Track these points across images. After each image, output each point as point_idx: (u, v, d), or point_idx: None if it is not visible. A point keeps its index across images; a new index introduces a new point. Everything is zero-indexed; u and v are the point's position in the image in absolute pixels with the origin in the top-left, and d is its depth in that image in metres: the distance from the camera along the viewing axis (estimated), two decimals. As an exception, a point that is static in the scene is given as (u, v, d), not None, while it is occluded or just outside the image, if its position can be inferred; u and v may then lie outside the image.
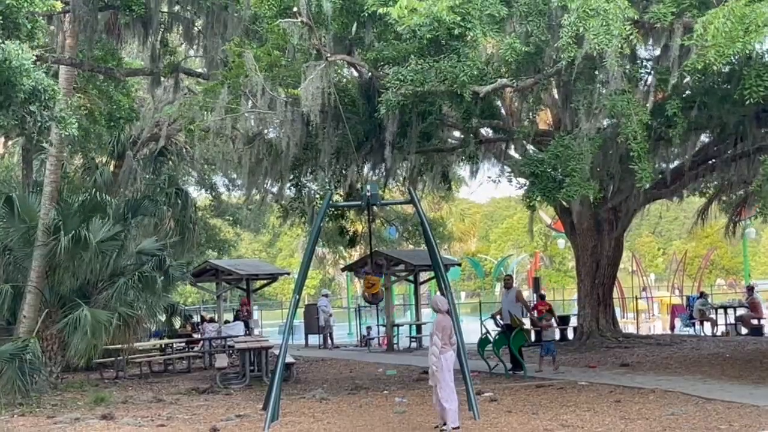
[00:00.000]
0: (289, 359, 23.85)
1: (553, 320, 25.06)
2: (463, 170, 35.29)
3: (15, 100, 17.09)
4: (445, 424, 14.75)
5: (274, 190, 30.29)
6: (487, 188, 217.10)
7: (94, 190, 27.42)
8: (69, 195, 25.83)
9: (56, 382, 24.02)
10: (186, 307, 50.01)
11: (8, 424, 17.52)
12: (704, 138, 27.33)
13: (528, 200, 19.93)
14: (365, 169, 26.64)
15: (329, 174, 25.89)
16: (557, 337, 23.87)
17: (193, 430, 15.90)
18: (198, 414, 18.09)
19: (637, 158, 17.92)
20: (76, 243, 23.49)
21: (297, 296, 16.93)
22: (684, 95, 21.17)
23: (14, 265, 25.09)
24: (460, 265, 48.99)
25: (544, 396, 18.60)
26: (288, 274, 43.99)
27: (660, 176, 27.41)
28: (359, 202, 19.13)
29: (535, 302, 29.18)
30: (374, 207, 24.35)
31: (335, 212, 30.80)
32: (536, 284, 42.43)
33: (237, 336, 30.34)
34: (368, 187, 17.28)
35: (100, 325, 22.84)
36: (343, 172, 25.69)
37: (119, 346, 26.23)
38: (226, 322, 33.92)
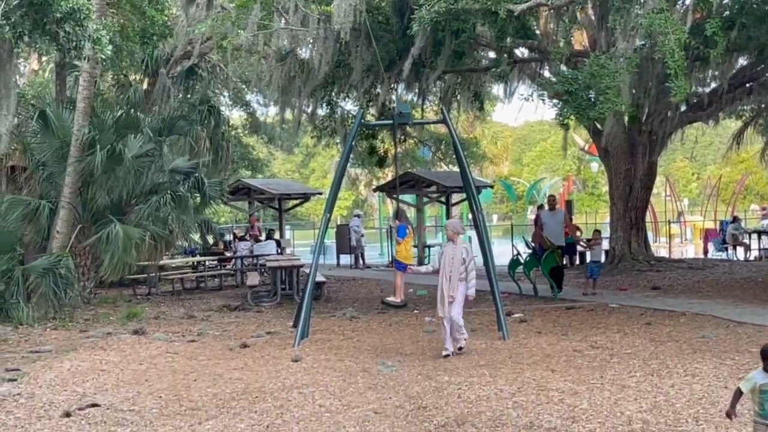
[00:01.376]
0: (319, 278, 23.90)
1: (601, 239, 24.87)
2: (496, 91, 34.99)
3: (50, 19, 17.05)
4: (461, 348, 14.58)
5: (308, 109, 30.16)
6: (521, 112, 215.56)
7: (128, 107, 27.35)
8: (102, 111, 25.77)
9: (89, 297, 24.21)
10: (219, 226, 50.29)
11: (41, 337, 17.68)
12: (742, 60, 26.94)
13: (561, 118, 19.73)
14: (398, 89, 26.45)
15: (361, 93, 25.73)
16: (602, 259, 23.53)
17: (224, 346, 15.97)
18: (228, 330, 18.19)
19: (673, 75, 17.63)
20: (111, 158, 23.51)
21: (328, 215, 16.90)
22: (723, 15, 20.82)
23: (48, 180, 25.18)
24: (492, 187, 48.82)
25: (574, 318, 18.58)
26: (320, 194, 44.02)
27: (696, 99, 27.08)
28: (389, 121, 18.99)
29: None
30: (406, 127, 24.25)
31: (367, 132, 30.67)
32: (568, 208, 42.25)
33: (269, 255, 30.43)
34: (398, 105, 17.12)
35: (132, 242, 22.92)
36: (375, 91, 25.53)
37: (152, 262, 26.39)
38: (257, 241, 33.97)
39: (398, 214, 17.22)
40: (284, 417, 10.29)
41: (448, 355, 14.11)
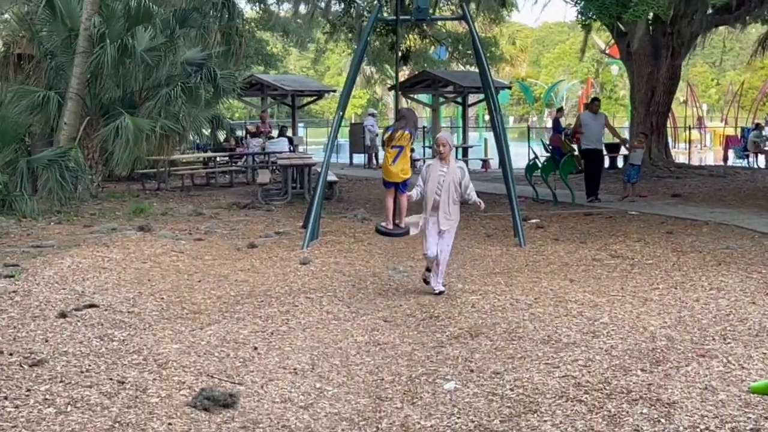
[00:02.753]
0: (331, 177, 23.40)
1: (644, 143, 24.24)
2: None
3: None
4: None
5: (322, 4, 29.38)
6: (542, 12, 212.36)
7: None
8: (114, 1, 25.05)
9: (97, 192, 23.79)
10: (233, 122, 49.70)
11: (44, 231, 17.23)
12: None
13: (582, 19, 18.95)
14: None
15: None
16: (639, 162, 22.72)
17: (231, 245, 15.49)
18: (237, 229, 17.69)
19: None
20: (120, 51, 22.90)
21: (340, 113, 16.28)
22: None
23: (57, 71, 24.58)
24: (509, 88, 47.97)
25: (592, 225, 18.02)
26: (334, 91, 43.33)
27: (725, 1, 26.21)
28: (408, 17, 18.25)
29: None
30: (423, 23, 23.49)
31: (385, 28, 29.88)
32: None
33: (281, 152, 29.88)
34: (416, 0, 16.35)
35: (142, 135, 22.42)
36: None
37: (162, 157, 25.90)
38: (270, 137, 33.37)
39: (406, 118, 12.82)
40: (290, 323, 9.82)
41: (442, 292, 11.44)
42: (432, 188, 11.29)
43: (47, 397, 7.11)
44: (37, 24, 25.04)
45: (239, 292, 11.45)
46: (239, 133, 37.23)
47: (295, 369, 8.17)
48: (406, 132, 12.30)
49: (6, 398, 7.05)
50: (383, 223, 12.66)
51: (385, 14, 25.65)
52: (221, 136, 34.74)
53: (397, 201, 12.46)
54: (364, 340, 9.22)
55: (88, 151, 23.86)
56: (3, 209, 18.97)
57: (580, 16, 18.71)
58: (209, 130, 32.39)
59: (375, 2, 24.01)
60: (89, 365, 8.03)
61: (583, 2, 18.68)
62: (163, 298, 11.02)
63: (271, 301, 10.91)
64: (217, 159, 31.59)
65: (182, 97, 24.02)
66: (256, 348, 8.79)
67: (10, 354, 8.32)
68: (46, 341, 8.83)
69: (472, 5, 29.46)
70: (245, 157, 31.77)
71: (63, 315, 9.83)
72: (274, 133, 34.68)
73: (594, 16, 18.57)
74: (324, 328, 9.66)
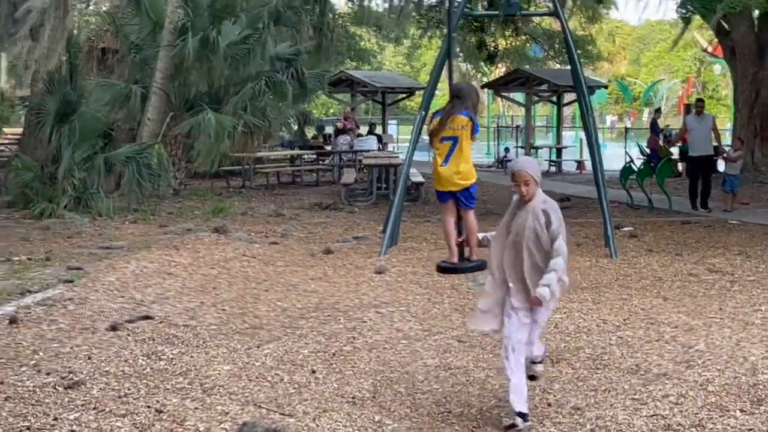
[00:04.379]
0: (418, 178, 22.68)
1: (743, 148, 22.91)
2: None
3: None
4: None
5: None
6: (644, 11, 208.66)
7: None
8: (199, -6, 24.63)
9: (179, 189, 23.36)
10: (326, 118, 49.21)
11: (117, 231, 16.76)
12: None
13: (683, 12, 17.90)
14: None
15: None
16: (737, 172, 21.22)
17: (306, 250, 14.82)
18: (314, 233, 17.02)
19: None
20: (204, 45, 22.47)
21: (423, 113, 15.48)
22: None
23: (141, 65, 24.25)
24: (606, 87, 46.75)
25: (689, 234, 16.96)
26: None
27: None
28: (496, 12, 17.45)
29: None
30: (515, 19, 22.63)
31: (475, 24, 29.04)
32: (687, 111, 40.18)
33: (368, 150, 29.19)
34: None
35: (224, 131, 21.96)
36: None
37: (247, 154, 25.41)
38: (359, 135, 32.72)
39: (462, 95, 8.61)
40: (355, 342, 9.07)
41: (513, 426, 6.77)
42: (500, 241, 7.08)
43: (74, 428, 6.45)
44: (122, 18, 24.74)
45: (306, 305, 10.72)
46: (329, 129, 36.70)
47: (353, 397, 7.42)
48: (462, 116, 8.40)
49: (29, 429, 6.41)
50: (445, 258, 8.93)
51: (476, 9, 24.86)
52: (309, 133, 34.25)
53: (462, 222, 8.54)
54: (434, 364, 8.43)
55: (171, 147, 23.50)
56: (79, 207, 18.58)
57: (679, 9, 17.73)
58: (296, 127, 31.93)
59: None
60: (129, 389, 7.36)
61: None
62: (224, 310, 10.35)
63: (339, 315, 10.17)
64: (304, 157, 31.04)
65: (267, 93, 23.49)
66: (314, 371, 8.05)
67: (47, 373, 7.70)
68: (89, 359, 8.20)
69: (568, 2, 28.48)
70: (332, 155, 31.15)
71: (113, 328, 9.20)
72: (363, 130, 34.03)
73: (694, 10, 17.52)
74: (392, 349, 8.89)
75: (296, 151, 31.23)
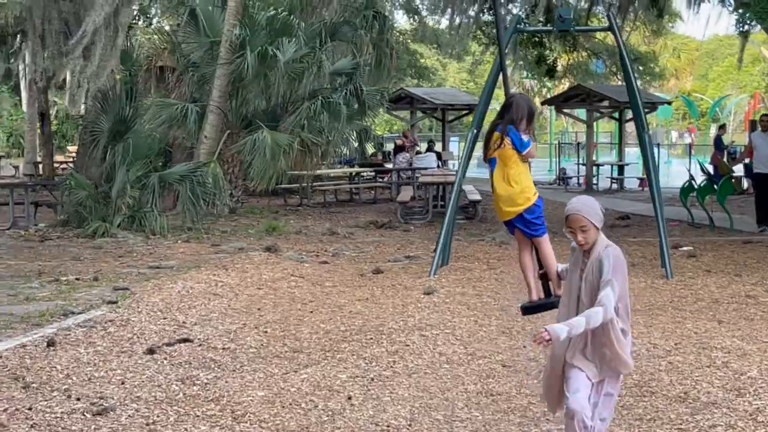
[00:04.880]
0: (475, 196, 22.44)
1: None
2: (680, 1, 32.41)
3: None
4: None
5: (472, 12, 28.47)
6: (707, 26, 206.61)
7: (282, 9, 26.08)
8: (256, 12, 24.62)
9: (236, 207, 23.32)
10: (389, 135, 49.10)
11: (168, 250, 16.71)
12: None
13: (741, 25, 17.54)
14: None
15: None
16: None
17: (356, 270, 14.64)
18: (366, 252, 16.84)
19: None
20: (262, 62, 22.46)
21: (474, 131, 15.21)
22: None
23: (198, 83, 24.30)
24: (670, 103, 46.10)
25: (750, 254, 16.48)
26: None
27: None
28: (551, 28, 17.18)
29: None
30: (572, 35, 22.32)
31: (533, 40, 28.77)
32: (753, 128, 39.48)
33: (427, 168, 28.97)
34: (560, 10, 15.28)
35: (280, 149, 21.89)
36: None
37: (305, 172, 25.34)
38: (418, 153, 32.52)
39: (506, 107, 7.78)
40: (395, 367, 8.84)
41: None
42: (567, 293, 6.07)
43: (96, 457, 6.32)
44: (179, 36, 24.82)
45: (350, 327, 10.52)
46: (389, 147, 36.55)
47: (388, 426, 7.19)
48: (496, 132, 7.68)
49: (51, 457, 6.28)
50: (527, 300, 7.77)
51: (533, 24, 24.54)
52: (369, 150, 34.13)
53: (539, 251, 7.57)
54: (475, 390, 8.18)
55: (228, 165, 23.48)
56: (133, 225, 18.57)
57: (738, 24, 17.41)
58: (357, 144, 31.81)
59: (516, 13, 22.87)
60: (158, 416, 7.20)
61: (741, 9, 17.31)
62: (266, 332, 10.17)
63: (381, 338, 9.94)
64: (364, 174, 30.92)
65: (323, 112, 23.39)
66: (350, 398, 7.84)
67: (78, 399, 7.57)
68: (122, 383, 8.06)
69: (630, 16, 28.06)
70: (391, 172, 30.98)
71: (151, 351, 9.07)
72: (422, 147, 33.84)
73: (750, 21, 17.16)
74: (433, 374, 8.66)
75: (354, 169, 31.11)
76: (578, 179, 35.38)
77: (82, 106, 25.20)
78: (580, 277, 5.85)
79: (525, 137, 7.59)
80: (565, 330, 5.58)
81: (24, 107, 41.17)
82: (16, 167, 36.91)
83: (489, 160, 7.80)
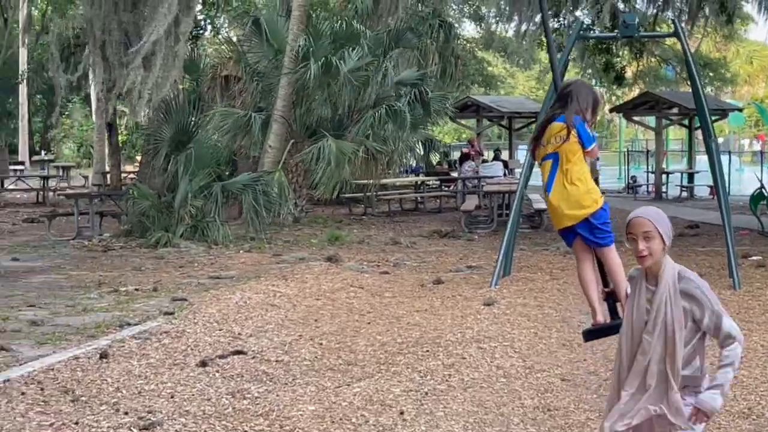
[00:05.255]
0: (541, 205, 22.15)
1: None
2: (751, 6, 31.82)
3: None
4: None
5: (538, 19, 28.16)
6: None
7: (347, 18, 26.03)
8: (319, 21, 24.60)
9: (300, 216, 23.26)
10: (459, 143, 48.92)
11: (230, 260, 16.67)
12: None
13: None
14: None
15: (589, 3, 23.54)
16: None
17: (417, 280, 14.46)
18: (428, 262, 16.66)
19: None
20: (325, 72, 22.41)
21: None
22: None
23: (262, 92, 24.34)
24: (741, 110, 45.33)
25: (822, 264, 16.08)
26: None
27: None
28: (614, 34, 16.90)
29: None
30: (641, 41, 21.99)
31: (600, 46, 28.41)
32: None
33: (493, 177, 28.72)
34: (624, 16, 14.99)
35: (344, 158, 21.81)
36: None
37: (370, 181, 25.25)
38: (484, 161, 32.27)
39: (567, 96, 6.64)
40: (451, 381, 8.65)
41: None
42: (627, 334, 5.10)
43: (139, 474, 6.20)
44: (244, 45, 24.90)
45: (406, 339, 10.34)
46: (454, 155, 36.37)
47: (440, 442, 7.02)
48: (559, 123, 6.50)
49: (94, 474, 6.18)
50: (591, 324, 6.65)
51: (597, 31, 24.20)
52: (434, 158, 33.98)
53: (605, 264, 6.46)
54: (532, 405, 7.97)
55: (292, 174, 23.47)
56: (195, 235, 18.55)
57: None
58: (422, 153, 31.68)
59: (580, 19, 22.57)
60: (204, 431, 7.08)
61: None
62: (321, 344, 10.03)
63: (438, 351, 9.75)
64: (429, 183, 30.75)
65: (387, 120, 23.27)
66: (402, 413, 7.66)
67: (126, 413, 7.46)
68: (172, 397, 7.95)
69: (700, 22, 27.62)
70: (456, 181, 30.78)
71: (203, 363, 8.96)
72: (489, 156, 33.60)
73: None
74: (489, 388, 8.45)
75: (420, 178, 30.97)
76: (647, 187, 34.90)
77: (144, 116, 25.31)
78: (645, 309, 4.93)
79: (590, 131, 6.58)
80: (717, 397, 4.88)
81: (94, 118, 41.59)
82: (86, 177, 37.25)
83: (545, 157, 6.54)
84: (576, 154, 6.43)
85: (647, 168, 36.89)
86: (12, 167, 37.86)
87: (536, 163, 6.80)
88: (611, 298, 6.24)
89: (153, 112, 22.19)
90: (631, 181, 35.53)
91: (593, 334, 6.64)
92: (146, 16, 20.76)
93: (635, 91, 43.71)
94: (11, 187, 32.89)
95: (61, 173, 38.43)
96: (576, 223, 6.42)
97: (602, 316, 6.38)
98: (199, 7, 35.54)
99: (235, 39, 29.65)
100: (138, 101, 21.77)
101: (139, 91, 21.48)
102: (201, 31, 36.38)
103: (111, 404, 7.68)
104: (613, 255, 6.35)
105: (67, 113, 54.91)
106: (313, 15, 25.68)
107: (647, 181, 35.50)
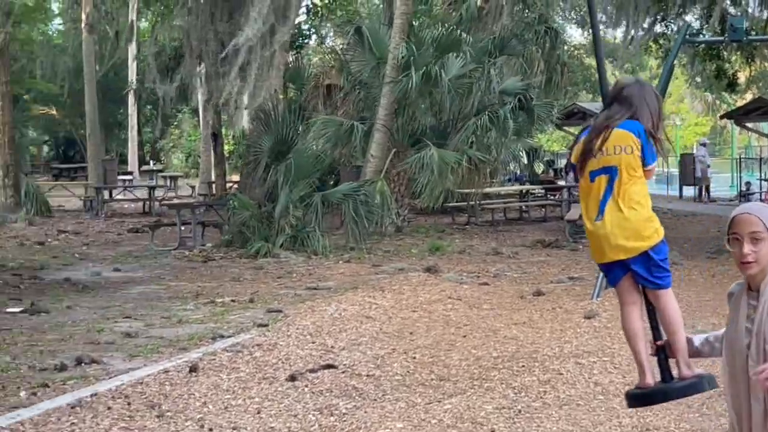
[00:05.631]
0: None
1: None
2: None
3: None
4: None
5: (645, 26, 27.67)
6: None
7: (449, 25, 25.79)
8: (422, 30, 24.44)
9: (402, 226, 23.07)
10: (565, 151, 48.40)
11: (328, 271, 16.54)
12: None
13: None
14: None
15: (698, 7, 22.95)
16: None
17: (516, 292, 14.16)
18: (529, 272, 16.34)
19: None
20: (427, 80, 22.23)
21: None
22: None
23: (364, 101, 24.25)
24: None
25: None
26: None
27: None
28: (722, 38, 16.42)
29: None
30: (750, 45, 21.38)
31: (711, 52, 27.73)
32: None
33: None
34: (732, 20, 14.53)
35: (447, 167, 21.56)
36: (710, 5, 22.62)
37: (473, 190, 24.97)
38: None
39: (628, 99, 5.08)
40: (546, 398, 8.35)
41: None
42: (729, 360, 4.03)
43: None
44: (347, 54, 24.85)
45: (502, 353, 10.05)
46: (560, 164, 35.91)
47: (531, 464, 6.74)
48: (624, 131, 5.04)
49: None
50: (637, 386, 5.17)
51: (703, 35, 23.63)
52: (538, 167, 33.59)
53: (659, 310, 5.03)
54: (630, 424, 7.63)
55: (394, 183, 23.29)
56: (295, 245, 18.48)
57: None
58: (526, 161, 31.31)
59: (686, 24, 21.98)
60: (289, 449, 6.92)
61: None
62: (414, 358, 9.80)
63: (534, 366, 9.45)
64: (534, 192, 30.37)
65: (491, 127, 22.96)
66: (493, 431, 7.40)
67: (210, 429, 7.32)
68: (258, 413, 7.78)
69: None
70: (561, 189, 30.34)
71: (293, 378, 8.79)
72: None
73: None
74: (585, 406, 8.13)
75: (524, 187, 30.59)
76: (761, 195, 34.00)
77: (245, 125, 25.42)
78: (744, 329, 3.91)
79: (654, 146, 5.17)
80: None
81: (201, 128, 42.05)
82: (193, 187, 37.59)
83: (595, 172, 5.03)
84: (638, 170, 5.04)
85: (761, 175, 35.96)
86: (120, 177, 38.45)
87: (581, 181, 5.18)
88: (663, 353, 4.96)
89: (252, 122, 22.21)
90: (744, 188, 34.64)
91: (640, 399, 5.25)
92: (242, 25, 20.76)
93: (748, 97, 42.77)
94: (119, 197, 33.29)
95: (168, 183, 38.88)
96: (631, 257, 4.94)
97: (652, 377, 5.02)
98: (303, 17, 35.74)
99: (338, 48, 29.65)
100: (235, 111, 21.79)
101: (236, 101, 21.48)
102: (305, 41, 36.51)
103: (196, 420, 7.56)
104: (671, 299, 5.02)
105: (175, 123, 55.65)
106: (416, 23, 25.49)
107: (761, 188, 34.57)
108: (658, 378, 4.90)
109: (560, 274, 16.09)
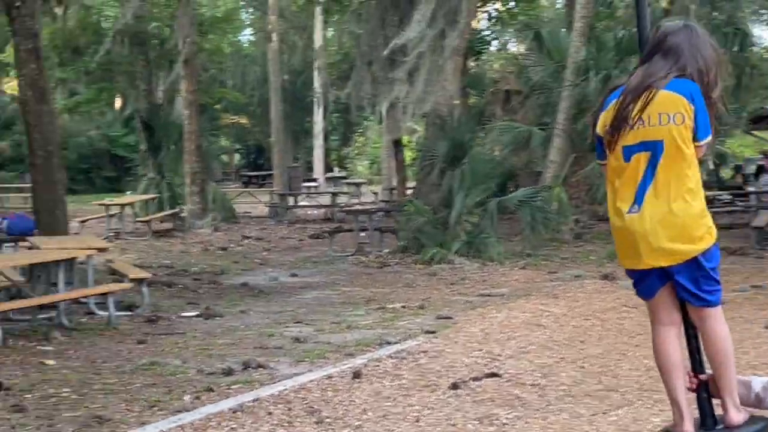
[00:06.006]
0: None
1: None
2: None
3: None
4: None
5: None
6: None
7: (632, 26, 25.30)
8: (603, 32, 24.03)
9: (581, 232, 22.69)
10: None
11: (502, 278, 16.37)
12: None
13: None
14: None
15: None
16: None
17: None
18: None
19: None
20: (605, 83, 21.82)
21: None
22: None
23: (543, 106, 24.01)
24: None
25: None
26: None
27: None
28: None
29: None
30: None
31: None
32: None
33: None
34: None
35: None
36: None
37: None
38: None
39: (676, 49, 3.89)
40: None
41: None
42: None
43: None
44: (525, 59, 24.67)
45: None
46: (750, 168, 34.72)
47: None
48: (672, 93, 3.82)
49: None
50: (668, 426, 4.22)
51: None
52: (726, 173, 32.59)
53: (704, 334, 4.02)
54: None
55: (573, 189, 22.94)
56: (470, 252, 18.35)
57: None
58: (712, 167, 30.44)
59: None
60: (441, 459, 6.79)
61: None
62: (583, 367, 9.55)
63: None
64: (721, 198, 29.45)
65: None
66: (659, 445, 7.11)
67: (366, 436, 7.28)
68: (417, 421, 7.67)
69: None
70: (750, 195, 29.31)
71: (455, 386, 8.65)
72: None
73: None
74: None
75: (710, 192, 29.71)
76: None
77: (419, 131, 25.47)
78: None
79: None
80: None
81: (383, 135, 42.37)
82: (375, 193, 37.89)
83: (630, 147, 3.87)
84: (690, 146, 3.81)
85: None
86: (305, 184, 39.07)
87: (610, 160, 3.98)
88: (705, 390, 4.00)
89: (427, 127, 22.22)
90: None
91: None
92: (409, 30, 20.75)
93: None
94: (303, 203, 33.80)
95: (353, 190, 39.31)
96: (675, 264, 3.88)
97: (691, 424, 3.99)
98: (484, 23, 35.62)
99: (518, 53, 29.49)
100: (402, 116, 21.79)
101: (403, 106, 21.47)
102: (486, 47, 36.33)
103: (354, 427, 7.51)
104: (720, 321, 3.99)
105: (361, 131, 56.23)
106: (597, 26, 25.08)
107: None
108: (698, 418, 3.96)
109: (743, 282, 15.48)
